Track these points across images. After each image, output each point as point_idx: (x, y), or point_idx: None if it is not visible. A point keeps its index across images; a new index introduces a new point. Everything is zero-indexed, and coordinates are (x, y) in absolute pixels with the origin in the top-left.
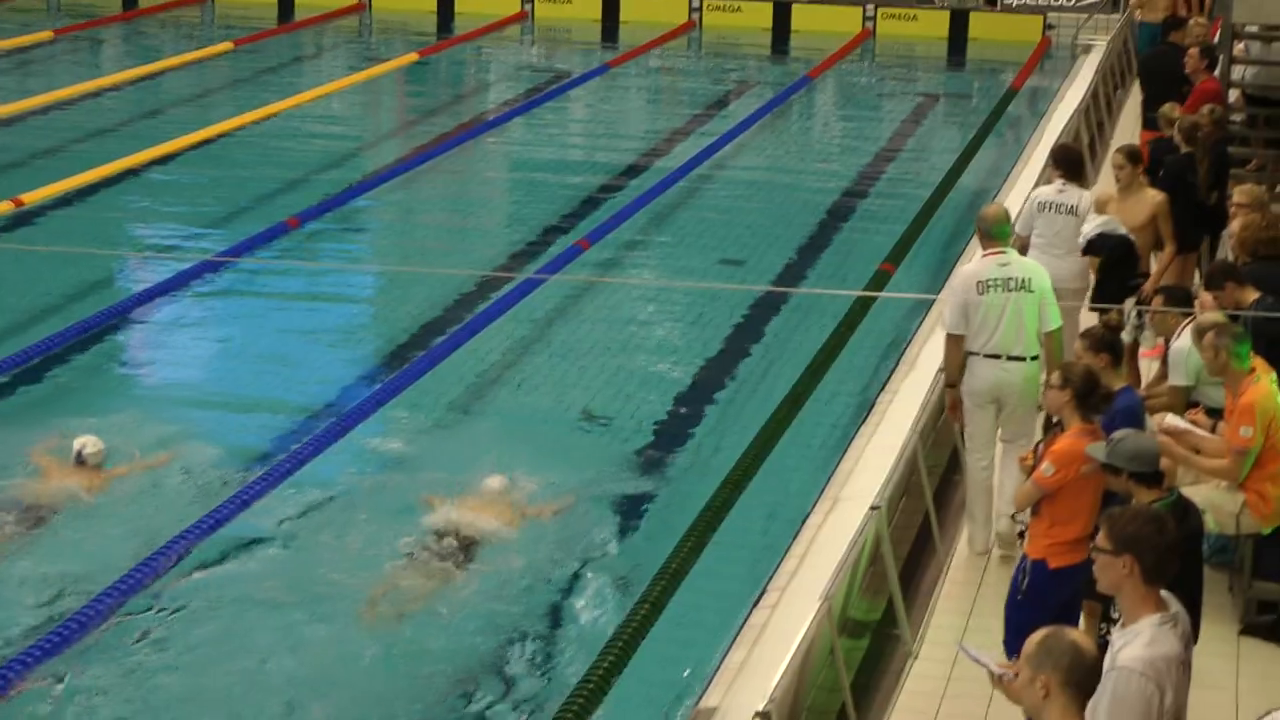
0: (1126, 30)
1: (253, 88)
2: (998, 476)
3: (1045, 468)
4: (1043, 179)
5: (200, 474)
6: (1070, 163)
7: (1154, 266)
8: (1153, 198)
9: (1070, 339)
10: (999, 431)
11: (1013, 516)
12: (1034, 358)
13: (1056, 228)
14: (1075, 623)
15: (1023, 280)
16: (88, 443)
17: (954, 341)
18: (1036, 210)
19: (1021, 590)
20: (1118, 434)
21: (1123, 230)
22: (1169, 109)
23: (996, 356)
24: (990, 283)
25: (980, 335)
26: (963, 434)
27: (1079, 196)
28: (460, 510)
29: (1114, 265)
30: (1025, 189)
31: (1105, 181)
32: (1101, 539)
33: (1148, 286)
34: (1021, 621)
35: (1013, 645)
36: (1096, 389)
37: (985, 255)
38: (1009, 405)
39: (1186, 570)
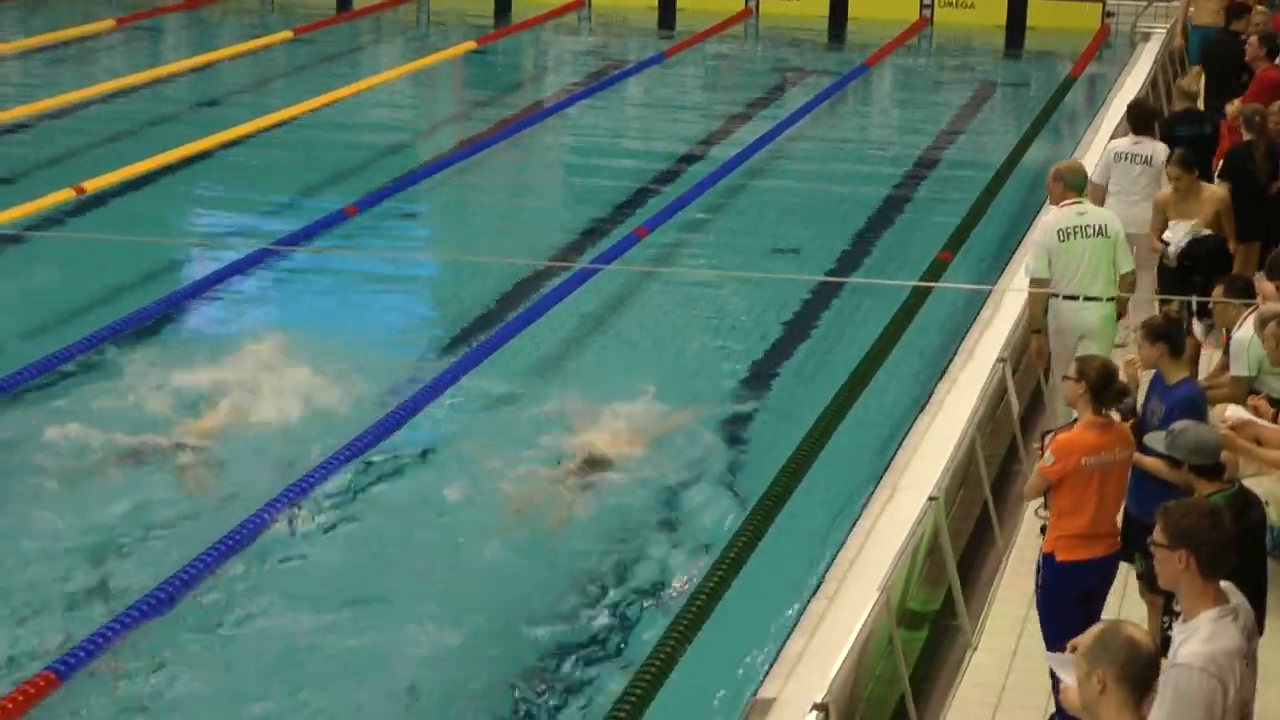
0: (1179, 29)
1: (312, 76)
2: None
3: (1047, 457)
4: (1119, 134)
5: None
6: (1144, 117)
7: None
8: (1214, 194)
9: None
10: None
11: (1036, 511)
12: (1110, 299)
13: (1133, 176)
14: (1095, 616)
15: (1099, 227)
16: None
17: (1038, 286)
18: (1113, 160)
19: (1038, 585)
20: (1178, 425)
21: (1206, 231)
22: (1188, 81)
23: (1075, 298)
24: (1070, 230)
25: (1062, 279)
26: (1047, 375)
27: (1153, 148)
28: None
29: (1213, 263)
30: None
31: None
32: (1158, 533)
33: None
34: (1045, 615)
35: (1048, 639)
36: (1112, 382)
37: (1064, 206)
38: (1089, 344)
39: (1249, 563)
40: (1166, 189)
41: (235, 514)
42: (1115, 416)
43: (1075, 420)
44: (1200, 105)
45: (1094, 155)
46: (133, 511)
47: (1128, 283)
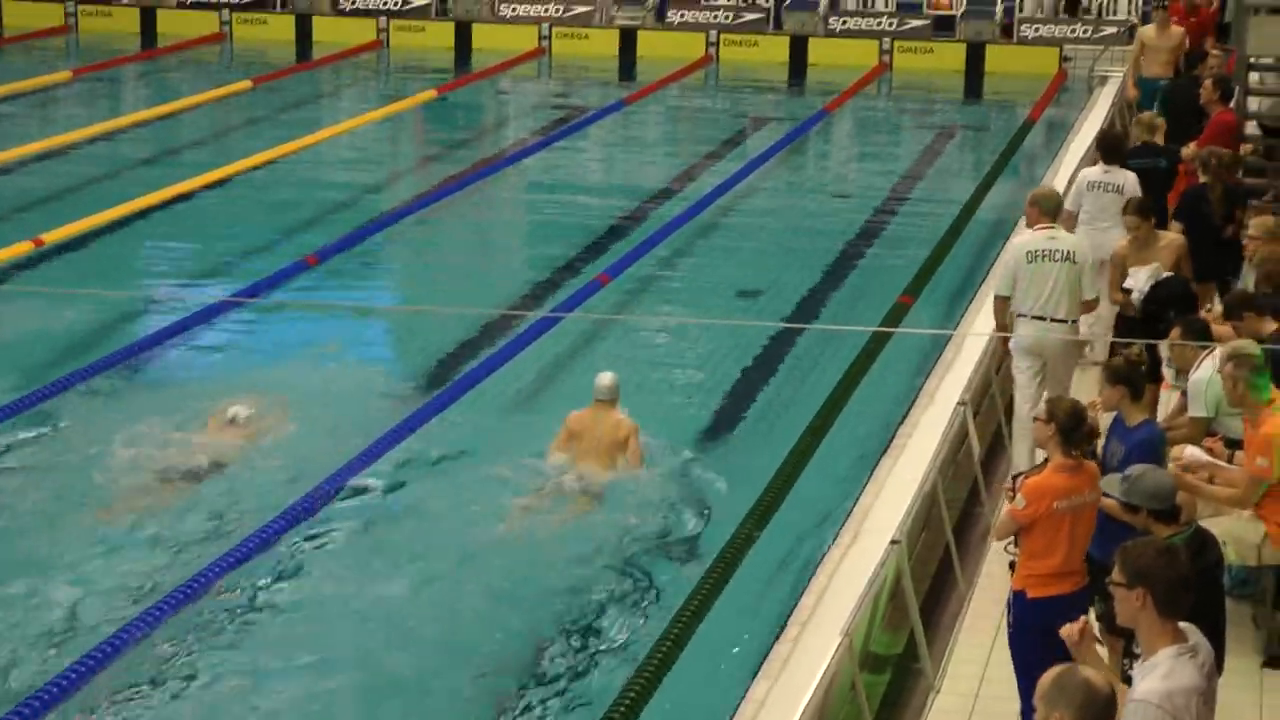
0: (1130, 81)
1: (272, 126)
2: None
3: (1018, 500)
4: (1088, 163)
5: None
6: (1114, 147)
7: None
8: (1172, 241)
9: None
10: (1044, 388)
11: (1006, 548)
12: (1074, 321)
13: (1104, 204)
14: (1069, 654)
15: (1068, 252)
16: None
17: (1000, 302)
18: (1085, 189)
19: (1010, 624)
20: (1134, 471)
21: (1169, 272)
22: (1149, 116)
23: (1041, 318)
24: (1039, 253)
25: (1027, 299)
26: (1009, 418)
27: (1124, 177)
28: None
29: (1180, 306)
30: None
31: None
32: (1116, 572)
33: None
34: (1018, 655)
35: (1020, 680)
36: (1081, 424)
37: (1036, 229)
38: (1050, 362)
39: (1208, 602)
40: (1123, 240)
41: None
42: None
43: (1045, 462)
44: (1159, 140)
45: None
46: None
47: (1089, 308)
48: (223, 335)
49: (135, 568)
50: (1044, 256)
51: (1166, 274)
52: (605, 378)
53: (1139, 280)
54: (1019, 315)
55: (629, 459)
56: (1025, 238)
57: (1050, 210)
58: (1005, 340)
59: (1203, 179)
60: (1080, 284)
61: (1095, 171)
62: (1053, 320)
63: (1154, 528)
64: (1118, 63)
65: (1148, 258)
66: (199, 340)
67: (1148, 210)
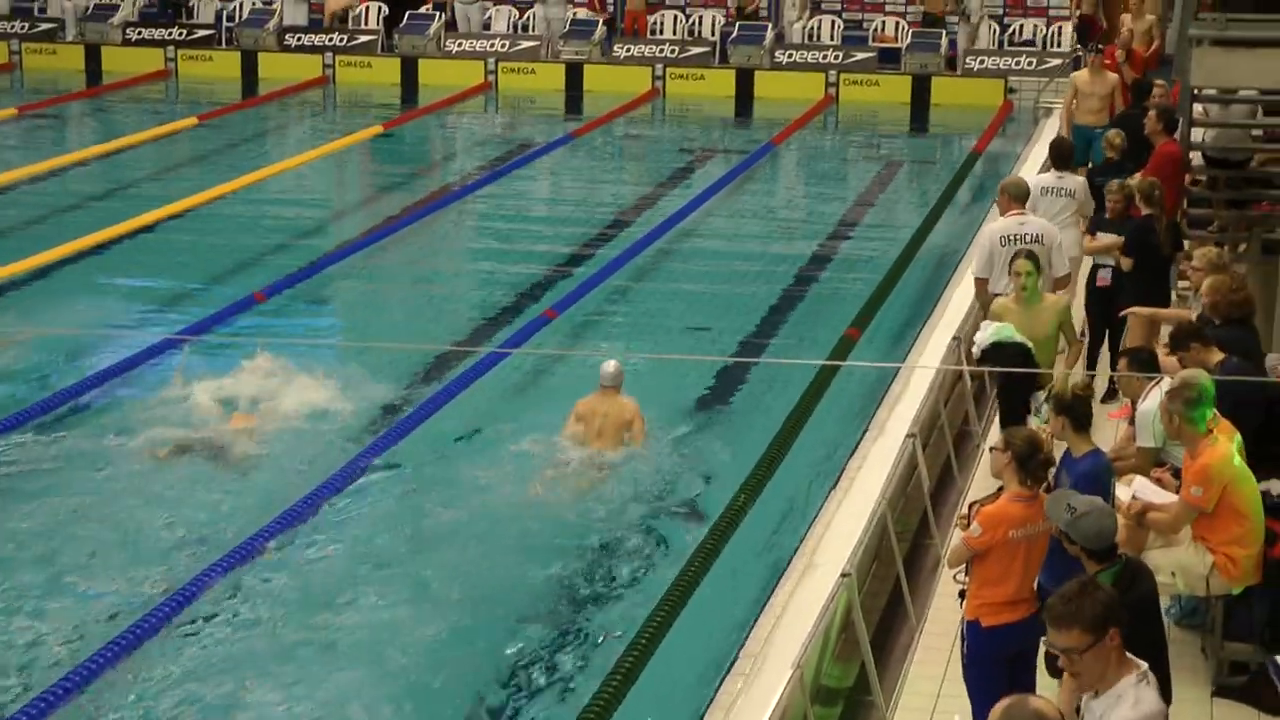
0: (1065, 128)
1: (218, 162)
2: None
3: (973, 529)
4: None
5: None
6: (1064, 154)
7: (1059, 367)
8: (1055, 304)
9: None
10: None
11: (955, 576)
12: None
13: (1057, 208)
14: (1026, 680)
15: (1037, 235)
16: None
17: (980, 282)
18: (1039, 194)
19: (964, 654)
20: (1081, 507)
21: (1019, 339)
22: (1113, 135)
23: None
24: (1011, 236)
25: (1002, 278)
26: (958, 449)
27: (1074, 181)
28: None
29: (1013, 377)
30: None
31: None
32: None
33: (1058, 383)
34: (972, 684)
35: (975, 710)
36: (1037, 453)
37: (1008, 215)
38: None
39: (1145, 633)
40: (1006, 298)
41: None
42: None
43: (1000, 491)
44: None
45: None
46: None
47: (1061, 285)
48: (166, 373)
49: (196, 516)
50: (1016, 239)
51: (1018, 339)
52: (610, 365)
53: (983, 335)
54: (995, 295)
55: (635, 436)
56: (998, 224)
57: (1019, 197)
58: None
59: (1147, 211)
60: (1050, 262)
61: (1048, 178)
62: None
63: (1086, 563)
64: (1062, 94)
65: (1033, 316)
66: (143, 379)
67: (1038, 263)
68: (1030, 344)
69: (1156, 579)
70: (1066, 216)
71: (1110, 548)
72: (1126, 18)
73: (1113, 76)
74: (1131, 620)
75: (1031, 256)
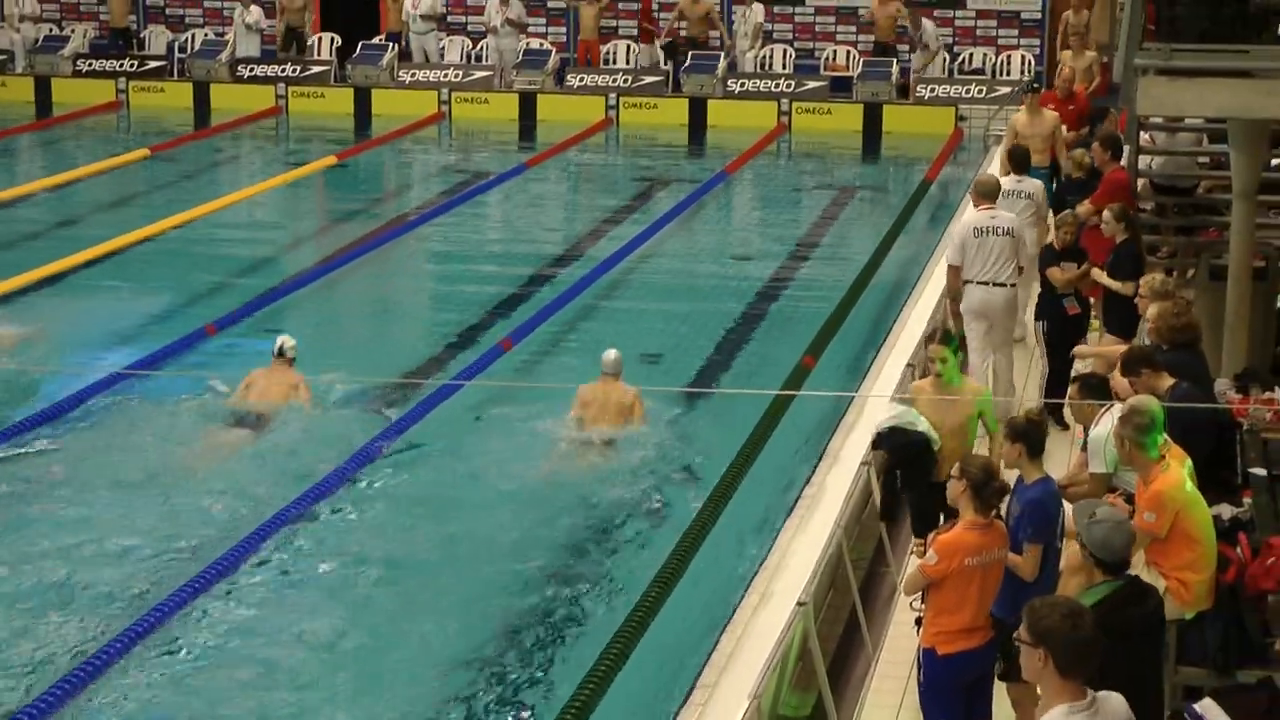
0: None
1: (171, 194)
2: (991, 370)
3: (930, 556)
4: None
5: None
6: (1023, 160)
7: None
8: (976, 391)
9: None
10: (991, 340)
11: (911, 604)
12: (1012, 284)
13: (1018, 209)
14: (982, 708)
15: (1006, 228)
16: (285, 340)
17: (953, 270)
18: (1001, 197)
19: (920, 681)
20: (1101, 514)
21: (922, 428)
22: (1080, 154)
23: (986, 283)
24: (984, 229)
25: (974, 267)
26: (963, 338)
27: (1033, 185)
28: None
29: (909, 466)
30: (943, 279)
31: None
32: (1022, 629)
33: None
34: (929, 712)
35: None
36: (992, 482)
37: (979, 210)
38: (995, 320)
39: (1147, 652)
40: (924, 380)
41: None
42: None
43: (956, 518)
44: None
45: (944, 269)
46: None
47: (1021, 271)
48: (118, 406)
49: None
50: (988, 232)
51: (920, 428)
52: (611, 354)
53: (884, 417)
54: (967, 282)
55: (635, 419)
56: (971, 216)
57: (989, 194)
58: (956, 302)
59: (1122, 238)
60: (1014, 252)
61: (1008, 181)
62: (995, 285)
63: (1094, 573)
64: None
65: (945, 404)
66: (94, 412)
67: (956, 347)
68: (934, 433)
69: None
70: (1027, 216)
71: (1117, 562)
72: (1067, 55)
73: (1052, 115)
74: (1130, 637)
75: (948, 339)
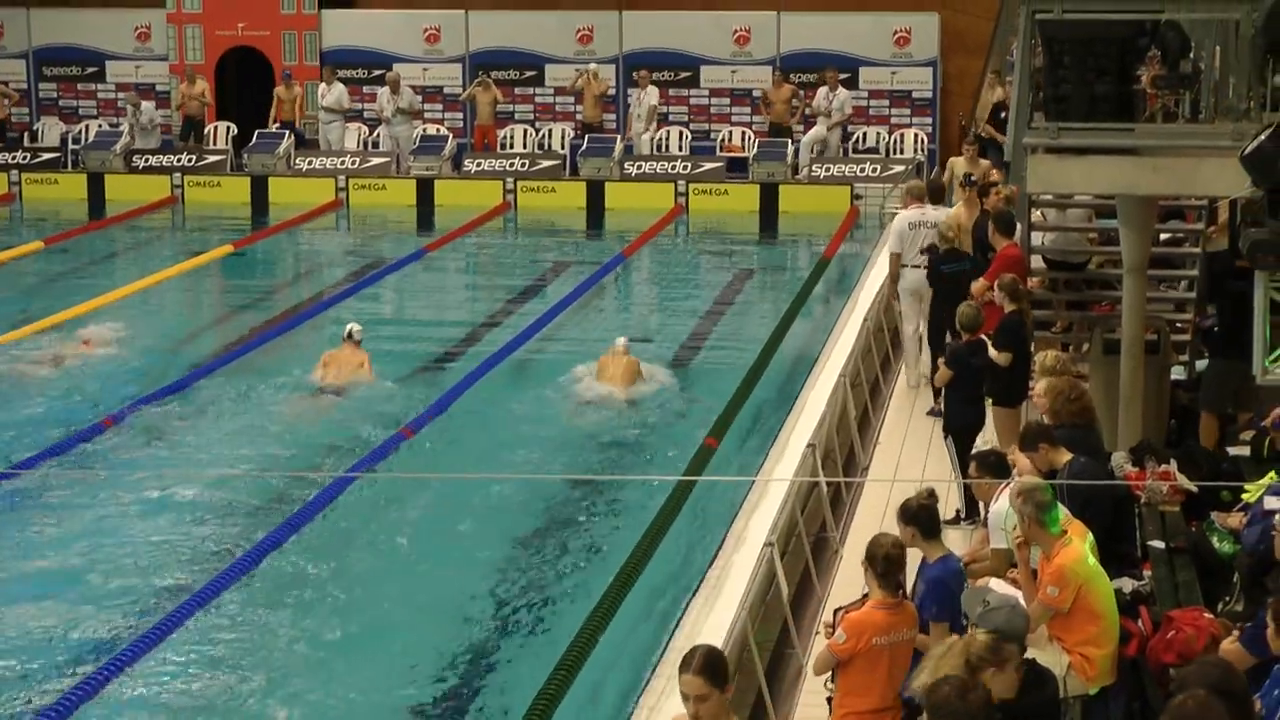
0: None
1: (64, 286)
2: (918, 342)
3: (838, 635)
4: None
5: None
6: (935, 191)
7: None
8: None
9: None
10: (920, 310)
11: (825, 684)
12: None
13: (922, 236)
14: None
15: (934, 223)
16: (354, 325)
17: (894, 257)
18: (906, 229)
19: None
20: (995, 601)
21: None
22: (947, 223)
23: (917, 266)
24: (917, 223)
25: (909, 253)
26: (900, 313)
27: (937, 214)
28: None
29: None
30: (843, 356)
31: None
32: (927, 711)
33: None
34: None
35: None
36: (897, 563)
37: (910, 208)
38: (923, 295)
39: None
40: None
41: None
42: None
43: (865, 598)
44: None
45: (851, 329)
46: None
47: None
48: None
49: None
50: (920, 225)
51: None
52: (621, 341)
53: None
54: (903, 266)
55: (641, 380)
56: (905, 213)
57: (918, 195)
58: (895, 283)
59: (1011, 308)
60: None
61: (912, 213)
62: (924, 267)
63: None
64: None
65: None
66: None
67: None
68: None
69: None
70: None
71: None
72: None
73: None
74: None
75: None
